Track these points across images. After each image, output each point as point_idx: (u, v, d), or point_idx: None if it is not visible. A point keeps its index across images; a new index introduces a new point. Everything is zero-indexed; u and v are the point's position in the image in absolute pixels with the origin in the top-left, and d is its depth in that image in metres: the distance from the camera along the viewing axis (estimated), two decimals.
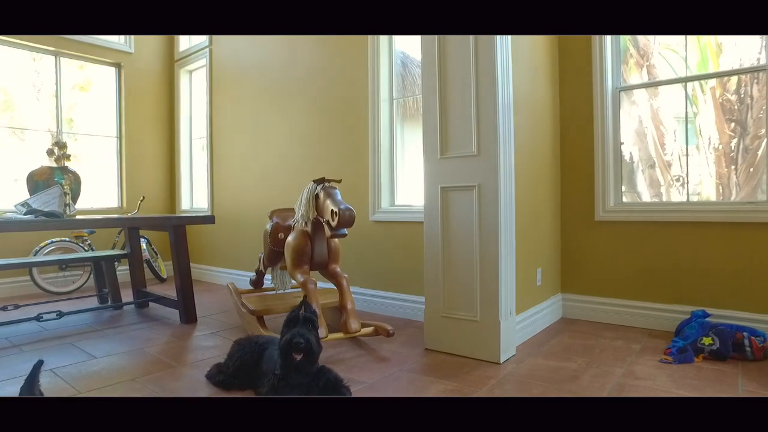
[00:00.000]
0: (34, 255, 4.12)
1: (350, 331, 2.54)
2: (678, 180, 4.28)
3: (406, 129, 3.64)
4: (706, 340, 2.42)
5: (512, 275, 2.47)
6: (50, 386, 2.12)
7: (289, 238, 2.78)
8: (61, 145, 3.02)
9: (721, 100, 4.51)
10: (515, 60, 2.69)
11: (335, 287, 2.74)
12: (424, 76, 2.61)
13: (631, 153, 4.12)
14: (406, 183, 3.59)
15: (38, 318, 2.95)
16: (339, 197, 2.56)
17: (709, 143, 4.74)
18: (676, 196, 3.20)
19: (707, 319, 2.66)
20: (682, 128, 5.38)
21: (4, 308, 3.04)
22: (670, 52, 5.37)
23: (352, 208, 2.48)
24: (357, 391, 2.01)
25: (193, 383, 2.15)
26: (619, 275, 3.06)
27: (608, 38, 3.13)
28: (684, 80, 3.16)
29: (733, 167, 3.80)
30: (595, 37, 3.12)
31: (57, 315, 3.01)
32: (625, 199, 3.19)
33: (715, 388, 2.03)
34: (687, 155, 4.39)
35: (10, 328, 3.05)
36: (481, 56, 2.38)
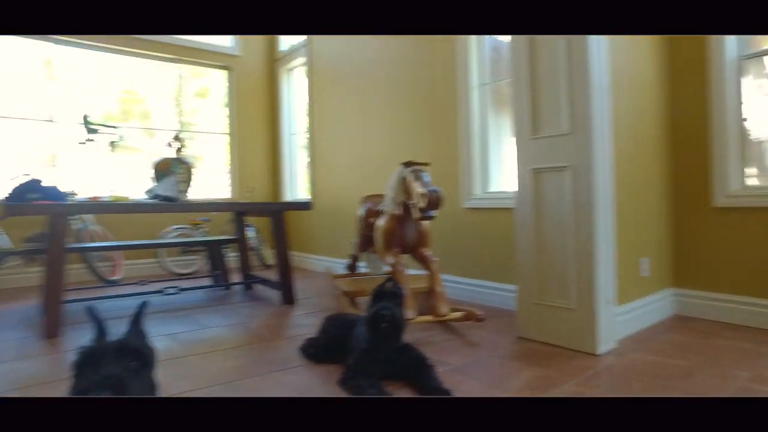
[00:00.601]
0: (162, 239, 4.63)
1: (439, 315, 2.52)
2: None
3: (499, 114, 3.52)
4: None
5: (611, 262, 2.29)
6: (167, 348, 2.38)
7: (379, 222, 2.82)
8: (178, 139, 3.36)
9: None
10: (614, 38, 2.48)
11: (425, 272, 2.74)
12: (513, 53, 2.51)
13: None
14: (500, 169, 3.48)
15: (162, 292, 3.31)
16: (427, 179, 2.55)
17: None
18: None
19: None
20: None
21: (137, 283, 3.48)
22: None
23: (439, 189, 2.46)
24: (443, 372, 1.99)
25: (286, 354, 2.28)
26: (745, 269, 2.69)
27: None
28: None
29: None
30: None
31: (176, 290, 3.35)
32: (755, 183, 2.81)
33: None
34: None
35: (140, 300, 3.46)
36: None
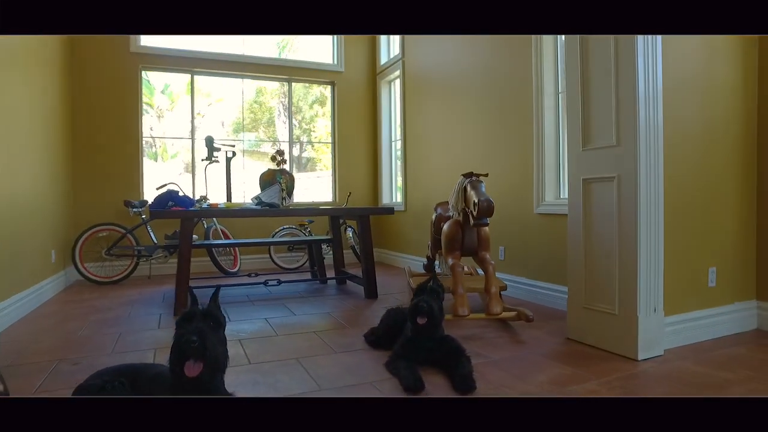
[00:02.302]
0: (271, 238, 5.37)
1: (491, 313, 2.75)
2: None
3: None
4: None
5: (658, 271, 2.33)
6: (261, 329, 2.92)
7: (444, 227, 3.11)
8: (280, 153, 3.96)
9: None
10: (677, 40, 2.49)
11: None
12: (568, 67, 2.63)
13: None
14: None
15: (265, 284, 3.94)
16: (482, 189, 2.79)
17: None
18: None
19: None
20: None
21: (249, 275, 4.17)
22: None
23: (491, 199, 2.69)
24: (478, 363, 2.24)
25: (353, 340, 2.68)
26: None
27: None
28: None
29: None
30: None
31: (277, 283, 3.96)
32: None
33: None
34: None
35: (249, 289, 4.15)
36: (621, 42, 2.31)
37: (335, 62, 6.19)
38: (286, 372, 2.18)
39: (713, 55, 2.66)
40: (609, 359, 2.30)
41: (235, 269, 5.12)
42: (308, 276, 4.77)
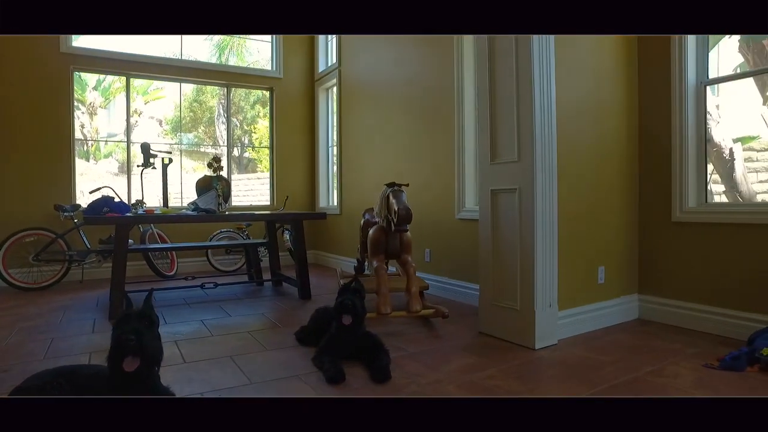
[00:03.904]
0: (209, 242, 5.42)
1: (411, 311, 3.02)
2: None
3: None
4: (766, 351, 2.33)
5: (552, 271, 2.69)
6: (196, 330, 3.05)
7: (370, 232, 3.36)
8: (216, 159, 4.07)
9: None
10: (572, 65, 2.87)
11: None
12: (479, 85, 2.95)
13: (731, 149, 3.76)
14: None
15: (201, 286, 4.04)
16: (403, 198, 3.06)
17: None
18: None
19: None
20: None
21: (185, 278, 4.24)
22: None
23: (409, 208, 2.96)
24: (397, 356, 2.49)
25: (284, 338, 2.87)
26: (697, 278, 2.97)
27: None
28: None
29: None
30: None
31: (213, 285, 4.07)
32: (723, 200, 3.05)
33: (737, 393, 2.03)
34: None
35: (186, 292, 4.22)
36: (521, 65, 2.64)
37: (274, 68, 6.30)
38: (219, 369, 2.34)
39: (602, 79, 3.07)
40: (511, 349, 2.63)
41: (172, 272, 5.14)
42: (245, 278, 4.88)
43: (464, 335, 2.92)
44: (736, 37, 4.29)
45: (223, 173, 4.20)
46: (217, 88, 9.52)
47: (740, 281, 2.78)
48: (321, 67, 6.34)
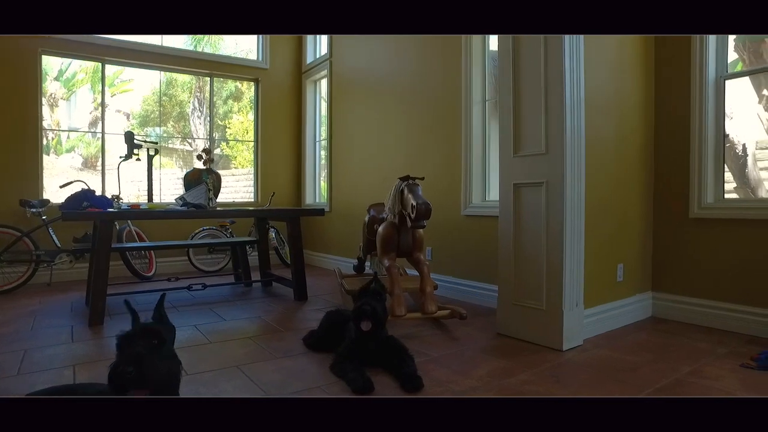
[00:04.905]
0: (191, 240, 5.10)
1: (427, 312, 2.84)
2: None
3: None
4: None
5: (579, 268, 2.56)
6: (191, 337, 2.78)
7: (380, 229, 3.16)
8: (207, 152, 3.78)
9: None
10: (599, 61, 2.75)
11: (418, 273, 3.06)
12: (501, 78, 2.80)
13: (744, 146, 3.76)
14: (498, 180, 3.75)
15: (189, 288, 3.74)
16: (419, 192, 2.88)
17: None
18: None
19: None
20: None
21: (168, 279, 3.93)
22: None
23: (428, 202, 2.78)
24: (421, 361, 2.31)
25: (291, 344, 2.65)
26: (716, 276, 2.90)
27: None
28: None
29: None
30: None
31: (202, 287, 3.78)
32: (734, 196, 3.01)
33: None
34: None
35: (171, 294, 3.91)
36: (550, 58, 2.51)
37: (260, 58, 6.01)
38: (228, 381, 2.10)
39: (622, 73, 2.97)
40: (537, 351, 2.49)
41: (151, 273, 4.80)
42: (231, 279, 4.59)
43: (482, 337, 2.77)
44: (732, 36, 4.31)
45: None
46: (190, 80, 9.09)
47: (762, 278, 2.72)
48: (309, 58, 6.09)
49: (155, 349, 1.40)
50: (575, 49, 2.50)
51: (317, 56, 5.97)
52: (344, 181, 5.41)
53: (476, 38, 3.76)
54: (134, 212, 3.21)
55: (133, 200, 5.54)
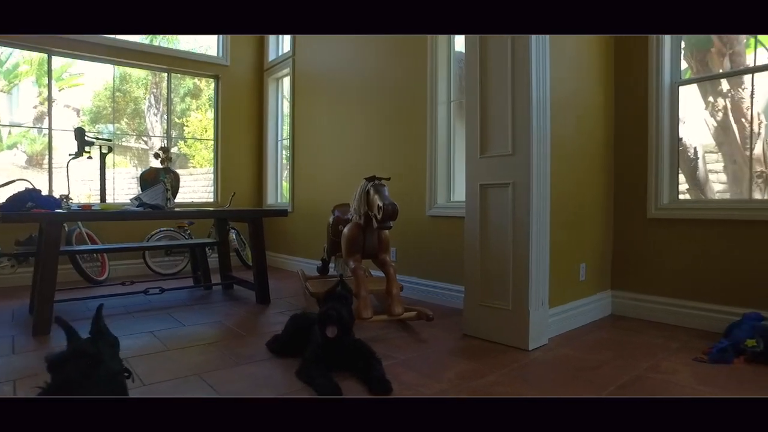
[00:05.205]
0: (147, 241, 4.89)
1: (393, 315, 2.81)
2: (760, 176, 4.02)
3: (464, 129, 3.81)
4: (750, 342, 2.37)
5: (545, 269, 2.59)
6: (148, 344, 2.65)
7: (345, 230, 3.11)
8: (165, 150, 3.63)
9: None
10: (560, 60, 2.79)
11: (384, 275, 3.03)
12: (467, 79, 2.81)
13: (695, 149, 3.94)
14: (464, 180, 3.77)
15: (145, 292, 3.58)
16: (386, 193, 2.85)
17: None
18: (759, 193, 3.08)
19: (762, 322, 2.57)
20: None
21: (123, 283, 3.75)
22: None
23: (395, 203, 2.75)
24: (388, 365, 2.27)
25: (254, 349, 2.56)
26: (670, 274, 3.02)
27: None
28: (753, 70, 3.02)
29: None
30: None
31: (159, 291, 3.62)
32: (687, 197, 3.13)
33: (739, 387, 2.03)
34: (766, 151, 4.11)
35: (126, 299, 3.73)
36: (517, 59, 2.53)
37: (221, 55, 5.84)
38: (189, 391, 2.00)
39: (583, 76, 3.04)
40: (504, 351, 2.50)
41: (104, 277, 4.56)
42: (190, 282, 4.43)
43: (449, 338, 2.76)
44: (683, 44, 4.50)
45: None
46: (146, 76, 8.73)
47: (712, 275, 2.84)
48: (272, 56, 5.96)
49: (91, 372, 1.30)
50: (541, 50, 2.53)
51: (280, 54, 5.85)
52: (307, 181, 5.32)
53: (442, 39, 3.77)
54: (86, 213, 3.03)
55: (84, 200, 5.27)
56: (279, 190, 6.11)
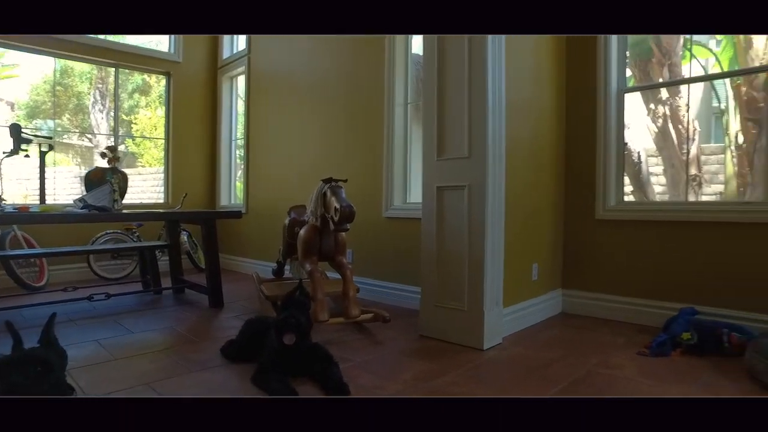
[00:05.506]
0: (91, 244, 4.65)
1: (350, 317, 2.80)
2: (694, 180, 4.28)
3: (421, 131, 3.85)
4: (685, 336, 2.51)
5: (499, 269, 2.66)
6: (92, 354, 2.52)
7: (301, 232, 3.08)
8: (112, 149, 3.46)
9: (746, 98, 4.45)
10: (516, 65, 2.87)
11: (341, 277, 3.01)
12: (425, 81, 2.84)
13: (639, 153, 4.16)
14: (419, 182, 3.80)
15: (90, 298, 3.41)
16: (343, 195, 2.83)
17: (731, 142, 4.69)
18: (693, 195, 3.26)
19: (696, 316, 2.73)
20: (704, 128, 5.32)
21: (64, 289, 3.54)
22: (700, 47, 5.30)
23: (352, 205, 2.75)
24: (346, 368, 2.26)
25: (208, 355, 2.49)
26: (616, 273, 3.16)
27: (613, 41, 3.21)
28: (689, 81, 3.20)
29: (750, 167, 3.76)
30: (600, 40, 3.21)
31: (105, 296, 3.46)
32: (631, 199, 3.28)
33: (677, 378, 2.15)
34: (699, 155, 4.38)
35: (68, 306, 3.53)
36: (474, 61, 2.58)
37: (173, 51, 5.63)
38: None
39: (537, 81, 3.14)
40: (460, 351, 2.54)
41: (41, 283, 4.31)
42: (139, 286, 4.25)
43: (405, 339, 2.78)
44: (627, 53, 4.74)
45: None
46: (90, 70, 8.34)
47: (653, 273, 3.00)
48: (226, 53, 5.81)
49: (39, 379, 1.24)
50: (497, 53, 2.59)
51: (234, 52, 5.72)
52: (262, 182, 5.22)
53: (399, 39, 3.79)
54: (22, 216, 2.84)
55: (21, 201, 4.96)
56: (233, 190, 5.97)
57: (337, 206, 2.73)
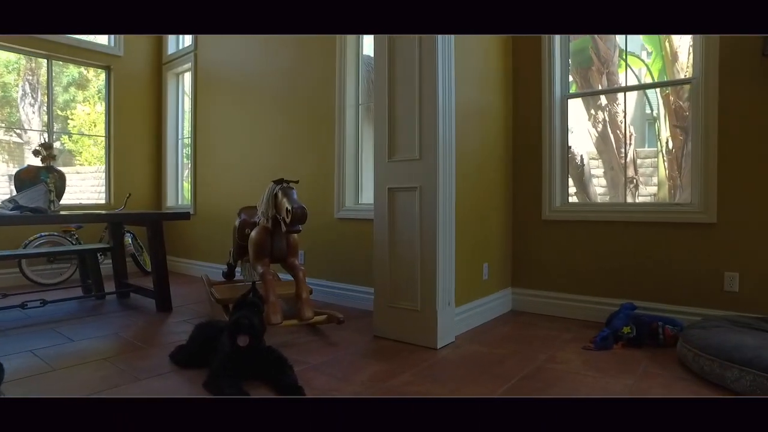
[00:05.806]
0: (23, 248, 4.37)
1: (304, 319, 2.78)
2: (631, 182, 4.54)
3: (372, 132, 3.87)
4: (626, 329, 2.67)
5: (451, 269, 2.72)
6: (26, 365, 2.37)
7: (252, 234, 3.02)
8: (47, 147, 3.26)
9: (674, 107, 4.76)
10: (465, 70, 2.94)
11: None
12: (376, 82, 2.86)
13: (582, 156, 4.37)
14: (371, 183, 3.82)
15: (23, 306, 3.20)
16: (295, 196, 2.80)
17: (662, 147, 5.01)
18: (631, 197, 3.44)
19: (635, 311, 2.90)
20: (639, 133, 5.66)
21: None
22: (634, 58, 5.62)
23: (304, 206, 2.72)
24: (301, 370, 2.25)
25: (157, 362, 2.40)
26: (563, 271, 3.30)
27: (557, 48, 3.35)
28: (625, 89, 3.38)
29: (679, 171, 4.03)
30: (545, 47, 3.34)
31: (40, 303, 3.26)
32: (575, 200, 3.43)
33: (619, 369, 2.28)
34: (636, 159, 4.66)
35: None
36: (424, 64, 2.62)
37: (113, 44, 5.37)
38: None
39: (486, 84, 3.23)
40: (414, 351, 2.58)
41: None
42: (79, 291, 4.03)
43: (360, 340, 2.79)
44: (570, 60, 4.97)
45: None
46: (17, 59, 7.80)
47: (596, 271, 3.16)
48: (171, 48, 5.60)
49: None
50: (447, 56, 2.64)
51: (180, 47, 5.52)
52: (211, 182, 5.08)
53: (350, 40, 3.79)
54: None
55: None
56: (180, 191, 5.77)
57: (289, 207, 2.70)
